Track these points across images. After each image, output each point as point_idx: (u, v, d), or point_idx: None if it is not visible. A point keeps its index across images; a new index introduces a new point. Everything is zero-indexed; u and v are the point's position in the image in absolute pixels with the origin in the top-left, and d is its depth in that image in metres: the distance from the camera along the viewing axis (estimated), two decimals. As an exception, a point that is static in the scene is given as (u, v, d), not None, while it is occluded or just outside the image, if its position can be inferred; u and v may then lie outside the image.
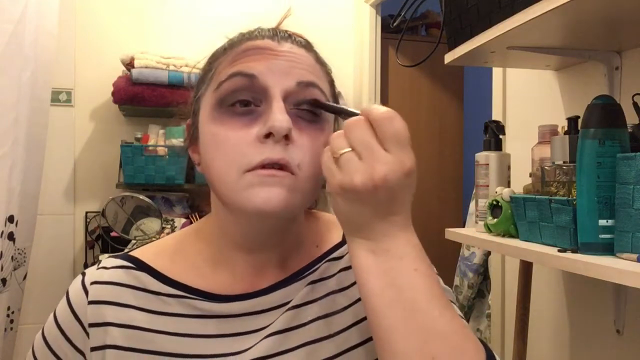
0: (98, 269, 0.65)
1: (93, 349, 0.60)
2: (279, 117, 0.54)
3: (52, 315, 0.64)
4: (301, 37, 0.64)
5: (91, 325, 0.61)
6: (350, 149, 0.49)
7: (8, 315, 1.86)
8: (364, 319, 0.59)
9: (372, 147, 0.48)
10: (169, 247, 0.68)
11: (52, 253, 2.37)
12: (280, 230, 0.63)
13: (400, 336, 0.48)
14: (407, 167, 0.48)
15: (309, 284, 0.63)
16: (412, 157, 0.49)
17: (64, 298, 0.64)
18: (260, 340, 0.60)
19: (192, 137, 0.63)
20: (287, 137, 0.55)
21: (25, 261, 1.95)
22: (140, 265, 0.64)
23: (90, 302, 0.62)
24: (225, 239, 0.64)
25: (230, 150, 0.56)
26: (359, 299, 0.61)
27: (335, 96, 0.65)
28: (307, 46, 0.63)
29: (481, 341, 0.52)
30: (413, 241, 0.52)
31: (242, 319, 0.61)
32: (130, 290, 0.62)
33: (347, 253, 0.66)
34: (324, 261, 0.66)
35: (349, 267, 0.65)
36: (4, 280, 1.79)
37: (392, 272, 0.50)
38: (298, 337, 0.60)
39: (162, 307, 0.62)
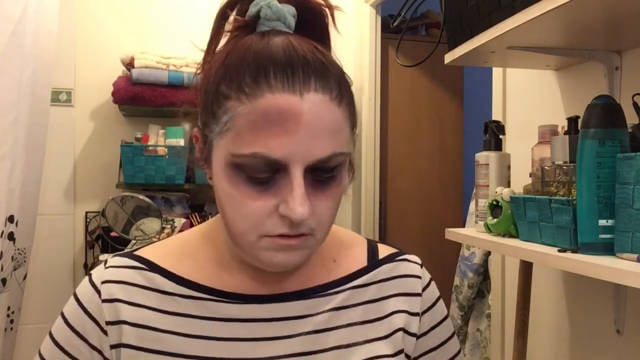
0: (106, 268, 0.63)
1: (112, 347, 0.60)
2: (299, 209, 0.52)
3: (59, 320, 0.63)
4: (322, 64, 0.56)
5: (108, 323, 0.60)
6: None
7: (8, 315, 1.86)
8: (380, 357, 0.62)
9: None
10: (176, 248, 0.67)
11: (52, 253, 2.37)
12: None
13: None
14: None
15: (331, 309, 0.63)
16: None
17: (72, 300, 0.63)
18: (276, 359, 0.60)
19: (206, 160, 0.59)
20: None
21: (25, 261, 1.96)
22: (151, 266, 0.63)
23: (105, 301, 0.61)
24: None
25: (248, 216, 0.55)
26: (382, 337, 0.64)
27: (353, 139, 0.61)
28: (332, 87, 0.55)
29: None
30: None
31: (259, 324, 0.61)
32: (143, 291, 0.62)
33: (374, 282, 0.66)
34: (347, 286, 0.65)
35: (377, 300, 0.66)
36: (4, 280, 1.79)
37: None
38: None
39: (176, 307, 0.61)
